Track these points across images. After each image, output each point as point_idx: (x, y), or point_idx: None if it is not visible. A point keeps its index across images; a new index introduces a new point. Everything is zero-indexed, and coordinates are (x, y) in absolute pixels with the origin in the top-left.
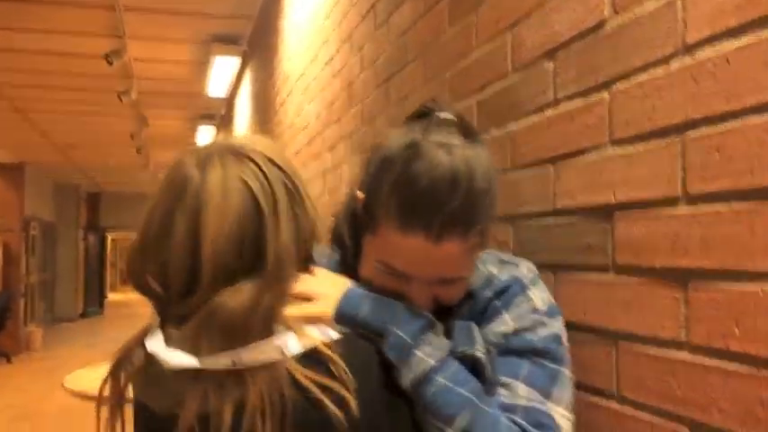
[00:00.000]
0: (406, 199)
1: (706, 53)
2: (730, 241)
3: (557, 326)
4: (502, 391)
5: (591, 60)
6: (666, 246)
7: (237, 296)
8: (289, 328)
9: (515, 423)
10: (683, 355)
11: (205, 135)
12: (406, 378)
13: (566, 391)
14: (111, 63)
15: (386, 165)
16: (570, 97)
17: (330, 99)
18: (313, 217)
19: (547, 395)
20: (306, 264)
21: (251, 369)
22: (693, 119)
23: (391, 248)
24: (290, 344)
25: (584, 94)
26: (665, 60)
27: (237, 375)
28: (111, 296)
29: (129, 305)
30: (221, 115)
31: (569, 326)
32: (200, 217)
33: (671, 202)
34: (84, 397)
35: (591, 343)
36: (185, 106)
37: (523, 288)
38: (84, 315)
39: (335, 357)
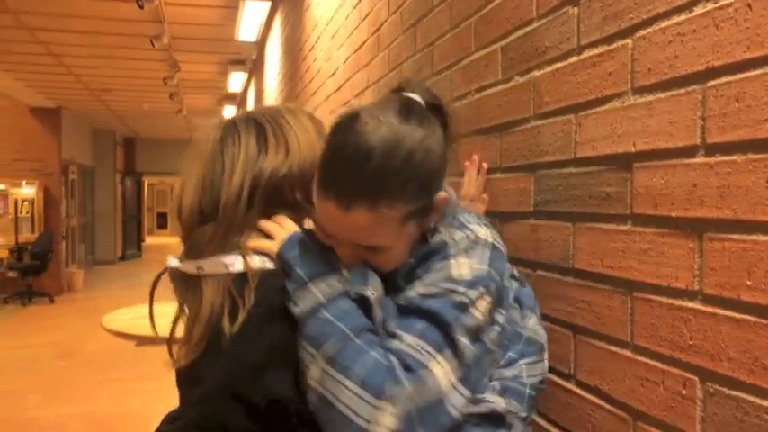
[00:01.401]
0: (327, 164)
1: None
2: (746, 192)
3: (472, 295)
4: (392, 340)
5: (615, 6)
6: (683, 196)
7: (204, 229)
8: (239, 253)
9: (386, 360)
10: (696, 305)
11: (236, 81)
12: (296, 310)
13: (457, 360)
14: (141, 7)
15: (332, 129)
16: (594, 44)
17: (358, 44)
18: (295, 166)
19: (437, 350)
20: (283, 205)
21: (207, 276)
22: (714, 67)
23: (318, 210)
24: (236, 264)
25: (607, 41)
26: (688, 6)
27: (198, 278)
28: (149, 240)
29: (166, 249)
30: (252, 60)
31: (587, 275)
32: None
33: (689, 151)
34: (121, 335)
35: (606, 292)
36: (216, 51)
37: (446, 255)
38: (122, 258)
39: (251, 282)
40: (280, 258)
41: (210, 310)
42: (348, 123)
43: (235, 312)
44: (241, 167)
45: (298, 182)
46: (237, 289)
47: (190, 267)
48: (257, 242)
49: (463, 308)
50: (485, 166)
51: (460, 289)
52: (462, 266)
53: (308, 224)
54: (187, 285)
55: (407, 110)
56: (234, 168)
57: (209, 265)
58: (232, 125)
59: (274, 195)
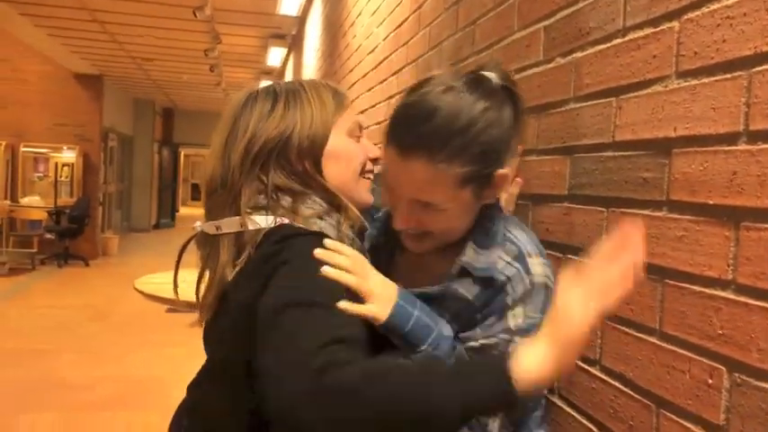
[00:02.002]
0: (395, 115)
1: None
2: None
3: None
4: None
5: None
6: (722, 183)
7: (218, 194)
8: (241, 217)
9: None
10: (728, 294)
11: (275, 55)
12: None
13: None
14: None
15: (407, 89)
16: (639, 26)
17: (399, 21)
18: (305, 137)
19: None
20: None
21: (223, 235)
22: (763, 52)
23: (384, 159)
24: (249, 223)
25: (653, 23)
26: None
27: (217, 240)
28: (183, 210)
29: (199, 219)
30: (292, 35)
31: None
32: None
33: (731, 138)
34: (152, 298)
35: None
36: (258, 24)
37: (503, 306)
38: (156, 226)
39: (255, 238)
40: (386, 328)
41: (222, 269)
42: (420, 84)
43: (234, 266)
44: (249, 133)
45: (307, 152)
46: (242, 243)
47: (209, 228)
48: (355, 307)
49: None
50: (520, 148)
51: (516, 339)
52: (518, 317)
53: (315, 202)
54: (208, 248)
55: (476, 83)
56: (244, 135)
57: (226, 224)
58: (252, 94)
59: (280, 161)
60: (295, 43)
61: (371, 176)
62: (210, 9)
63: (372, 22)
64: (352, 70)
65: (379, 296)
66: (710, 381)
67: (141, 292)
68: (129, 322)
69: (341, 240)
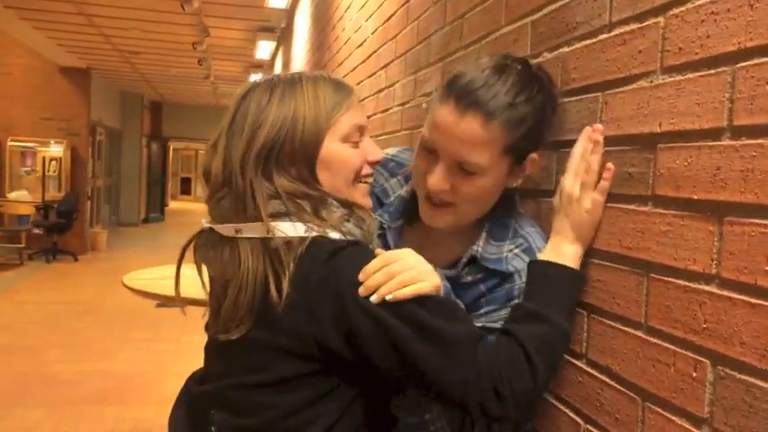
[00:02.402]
0: (460, 73)
1: None
2: None
3: None
4: None
5: None
6: (706, 178)
7: (222, 193)
8: (262, 221)
9: None
10: (712, 288)
11: (264, 49)
12: None
13: None
14: None
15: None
16: (625, 21)
17: (387, 15)
18: (297, 140)
19: None
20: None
21: (243, 239)
22: (746, 47)
23: (431, 120)
24: (277, 231)
25: (639, 18)
26: None
27: (235, 241)
28: (172, 204)
29: (188, 213)
30: (281, 28)
31: (604, 255)
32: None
33: (715, 133)
34: (141, 294)
35: (623, 272)
36: (246, 17)
37: (511, 295)
38: (145, 221)
39: (296, 249)
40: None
41: (253, 277)
42: (478, 57)
43: (279, 283)
44: (245, 134)
45: (300, 158)
46: (279, 256)
47: (227, 230)
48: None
49: None
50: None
51: None
52: None
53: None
54: (217, 249)
55: (529, 68)
56: (242, 135)
57: (249, 229)
58: (252, 88)
59: (279, 164)
60: (284, 36)
61: (369, 180)
62: (198, 2)
63: (361, 16)
64: (341, 64)
65: (429, 271)
66: (695, 374)
67: (130, 289)
68: (117, 318)
69: (367, 240)
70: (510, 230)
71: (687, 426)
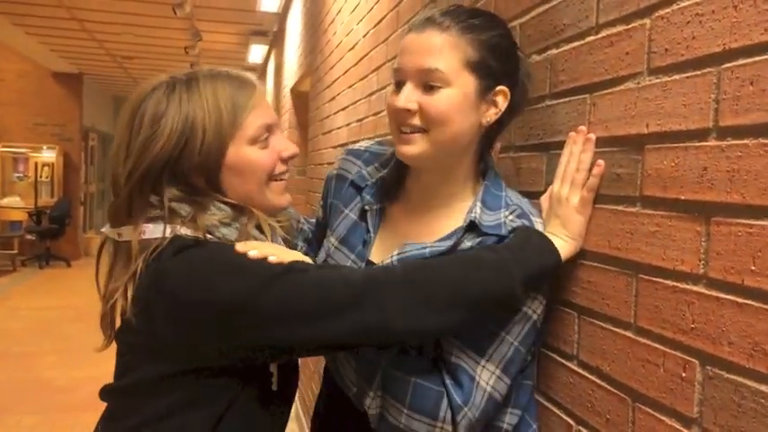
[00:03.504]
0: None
1: None
2: (755, 176)
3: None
4: None
5: None
6: (693, 179)
7: (116, 200)
8: (146, 222)
9: None
10: (700, 289)
11: (257, 52)
12: None
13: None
14: None
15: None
16: (612, 23)
17: (377, 19)
18: (195, 153)
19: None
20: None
21: (123, 242)
22: (731, 48)
23: (400, 51)
24: (147, 232)
25: (625, 20)
26: None
27: (120, 243)
28: None
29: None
30: (273, 32)
31: (594, 256)
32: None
33: (702, 134)
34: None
35: (613, 273)
36: (238, 21)
37: None
38: None
39: (142, 250)
40: None
41: (120, 279)
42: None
43: (130, 282)
44: (137, 146)
45: (198, 169)
46: (131, 256)
47: (112, 233)
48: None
49: None
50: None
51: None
52: None
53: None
54: (114, 254)
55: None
56: (129, 151)
57: (126, 232)
58: (150, 91)
59: (172, 178)
60: (276, 40)
61: (285, 177)
62: (190, 6)
63: (352, 19)
64: (333, 67)
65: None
66: (684, 374)
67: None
68: None
69: (268, 239)
70: (502, 200)
71: (677, 426)
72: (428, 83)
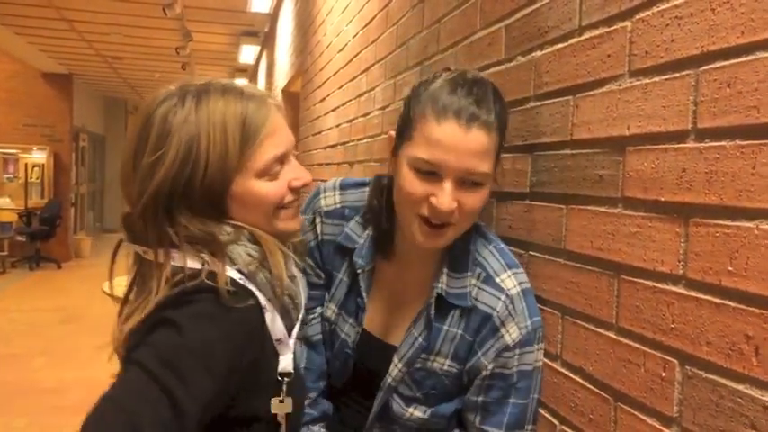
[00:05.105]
0: (443, 94)
1: None
2: (732, 178)
3: (528, 357)
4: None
5: None
6: (673, 180)
7: (131, 215)
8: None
9: None
10: (679, 289)
11: (248, 53)
12: None
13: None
14: None
15: (422, 83)
16: (594, 25)
17: (367, 19)
18: (196, 179)
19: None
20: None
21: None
22: (709, 51)
23: (427, 142)
24: (176, 259)
25: (607, 22)
26: None
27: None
28: None
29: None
30: (264, 32)
31: (577, 257)
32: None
33: (681, 136)
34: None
35: (595, 274)
36: (229, 21)
37: (495, 328)
38: None
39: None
40: None
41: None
42: (443, 72)
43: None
44: (144, 167)
45: (202, 201)
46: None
47: (138, 248)
48: None
49: (527, 375)
50: None
51: (518, 351)
52: (512, 332)
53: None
54: (138, 265)
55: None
56: (141, 161)
57: (151, 254)
58: (159, 102)
59: (182, 206)
60: (267, 40)
61: (295, 204)
62: (180, 6)
63: (342, 20)
64: (323, 68)
65: None
66: (664, 374)
67: (108, 295)
68: (101, 325)
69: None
70: (469, 257)
71: (657, 425)
72: (472, 181)
